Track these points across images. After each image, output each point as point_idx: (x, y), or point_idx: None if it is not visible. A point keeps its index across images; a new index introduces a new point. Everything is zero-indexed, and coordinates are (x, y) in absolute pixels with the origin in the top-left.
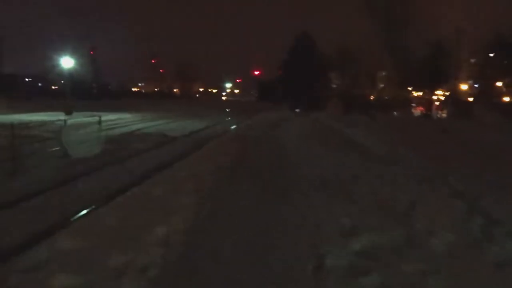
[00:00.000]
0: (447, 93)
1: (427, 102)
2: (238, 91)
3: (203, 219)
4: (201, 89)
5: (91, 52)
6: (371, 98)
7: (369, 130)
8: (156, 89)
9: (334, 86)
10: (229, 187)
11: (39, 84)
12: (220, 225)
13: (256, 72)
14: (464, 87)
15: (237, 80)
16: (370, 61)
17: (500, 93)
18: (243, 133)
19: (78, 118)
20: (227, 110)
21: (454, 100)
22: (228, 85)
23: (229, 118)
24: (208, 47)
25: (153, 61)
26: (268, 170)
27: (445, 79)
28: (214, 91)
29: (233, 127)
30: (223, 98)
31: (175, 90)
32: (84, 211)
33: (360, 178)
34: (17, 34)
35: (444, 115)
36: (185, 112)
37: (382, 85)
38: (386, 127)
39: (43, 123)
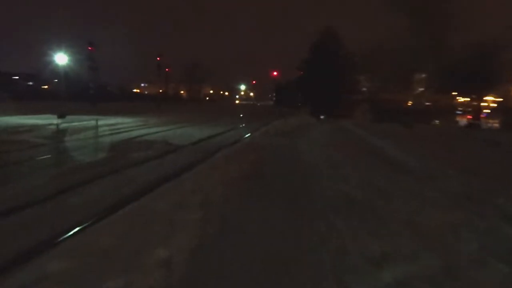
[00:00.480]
0: (500, 99)
1: (474, 109)
2: (252, 94)
3: (210, 241)
4: (211, 92)
5: (89, 48)
6: (408, 104)
7: (403, 141)
8: (160, 91)
9: (363, 89)
10: (240, 206)
11: (29, 83)
12: (227, 250)
13: (274, 73)
14: None
15: (252, 82)
16: (405, 62)
17: None
18: (258, 142)
19: (73, 122)
20: (240, 115)
21: (508, 108)
22: (242, 87)
23: (243, 125)
24: (220, 46)
25: (158, 58)
26: (286, 186)
27: (496, 83)
28: (226, 93)
29: (247, 135)
30: (236, 101)
31: (181, 92)
32: (76, 229)
33: (392, 197)
34: (4, 28)
35: (496, 125)
36: (192, 117)
37: (421, 89)
38: (425, 138)
39: (33, 128)
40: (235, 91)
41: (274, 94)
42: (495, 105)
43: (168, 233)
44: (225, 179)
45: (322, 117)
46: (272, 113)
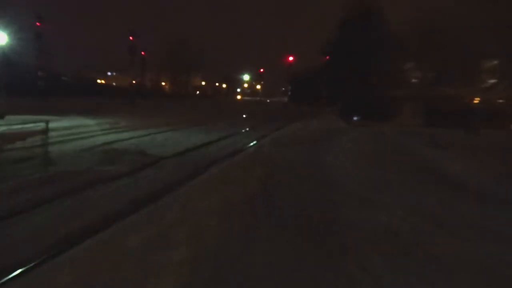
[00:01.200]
0: None
1: None
2: (259, 87)
3: None
4: (203, 83)
5: (38, 24)
6: (475, 101)
7: (466, 153)
8: (134, 82)
9: (413, 80)
10: (241, 242)
11: None
12: None
13: (290, 58)
14: None
15: (259, 71)
16: (470, 44)
17: None
18: (267, 154)
19: (14, 124)
20: (243, 116)
21: None
22: (246, 77)
23: (247, 129)
24: (215, 26)
25: (130, 38)
26: (305, 216)
27: None
28: (224, 86)
29: (252, 143)
30: (238, 97)
31: (163, 84)
32: (12, 275)
33: (449, 231)
34: None
35: None
36: (178, 118)
37: (492, 81)
38: (496, 148)
39: None
40: (236, 83)
41: (289, 88)
42: None
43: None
44: (221, 206)
45: (355, 118)
46: (286, 113)
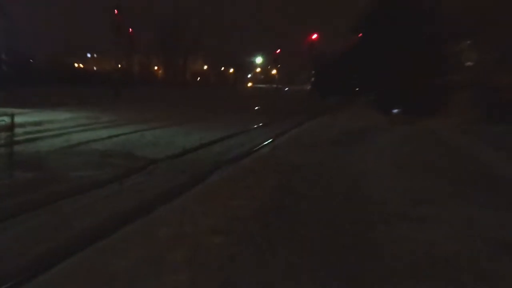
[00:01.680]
0: None
1: None
2: (275, 72)
3: None
4: (205, 68)
5: None
6: None
7: None
8: (119, 66)
9: (467, 64)
10: (253, 276)
11: None
12: None
13: (313, 36)
14: None
15: (275, 52)
16: None
17: None
18: (284, 156)
19: None
20: (255, 108)
21: None
22: (258, 60)
23: (259, 125)
24: None
25: (115, 12)
26: (332, 239)
27: None
28: (231, 71)
29: (266, 142)
30: (248, 84)
31: (155, 68)
32: None
33: None
34: None
35: None
36: (174, 111)
37: None
38: None
39: None
40: (246, 67)
41: (312, 73)
42: None
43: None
44: (226, 226)
45: (394, 111)
46: (308, 104)
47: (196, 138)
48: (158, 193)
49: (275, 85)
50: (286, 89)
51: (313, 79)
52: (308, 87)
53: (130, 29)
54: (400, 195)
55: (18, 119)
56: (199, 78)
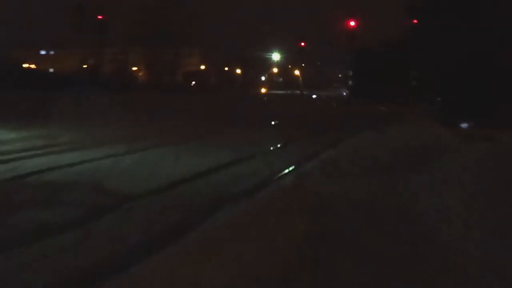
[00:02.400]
0: None
1: None
2: (298, 73)
3: None
4: (202, 67)
5: None
6: None
7: None
8: (84, 67)
9: None
10: None
11: None
12: None
13: (351, 23)
14: None
15: (300, 44)
16: None
17: None
18: (313, 189)
19: None
20: (272, 122)
21: None
22: (275, 57)
23: (278, 146)
24: None
25: None
26: None
27: None
28: (238, 71)
29: (288, 170)
30: (262, 89)
31: (133, 69)
32: None
33: None
34: None
35: None
36: (159, 126)
37: None
38: None
39: None
40: (258, 66)
41: (351, 74)
42: None
43: None
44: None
45: (463, 125)
46: (346, 116)
47: (191, 163)
48: (136, 243)
49: (298, 91)
50: (314, 96)
51: (350, 82)
52: (345, 92)
53: (100, 16)
54: (480, 240)
55: None
56: (193, 81)
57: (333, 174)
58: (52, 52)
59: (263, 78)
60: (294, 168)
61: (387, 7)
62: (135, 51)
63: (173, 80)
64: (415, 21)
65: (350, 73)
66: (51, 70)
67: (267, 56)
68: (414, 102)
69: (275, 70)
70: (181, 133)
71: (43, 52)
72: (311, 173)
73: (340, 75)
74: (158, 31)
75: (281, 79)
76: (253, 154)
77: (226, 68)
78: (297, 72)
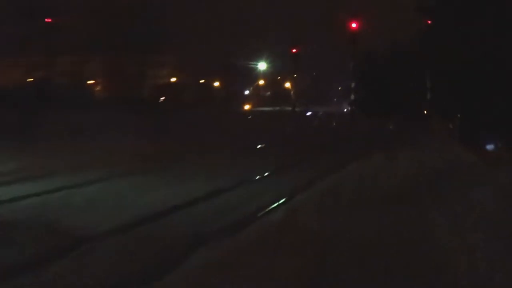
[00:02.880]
0: None
1: None
2: (290, 85)
3: None
4: (172, 80)
5: None
6: None
7: None
8: (29, 80)
9: None
10: None
11: None
12: None
13: (353, 25)
14: None
15: (292, 51)
16: None
17: None
18: (309, 227)
19: None
20: (257, 146)
21: None
22: (261, 66)
23: (266, 174)
24: None
25: None
26: None
27: None
28: (216, 84)
29: (277, 203)
30: (246, 106)
31: (88, 83)
32: None
33: None
34: None
35: None
36: (125, 150)
37: None
38: None
39: None
40: (241, 78)
41: (353, 86)
42: None
43: None
44: None
45: (489, 146)
46: (349, 135)
47: (163, 195)
48: None
49: (290, 108)
50: (309, 113)
51: (353, 95)
52: (346, 108)
53: (49, 19)
54: None
55: None
56: (163, 96)
57: (332, 208)
58: None
59: (247, 92)
60: (286, 200)
61: (393, 6)
62: (93, 60)
63: (139, 95)
64: (429, 21)
65: (353, 84)
66: None
67: (252, 65)
68: (430, 118)
69: (261, 82)
70: (151, 158)
71: None
72: (305, 206)
73: (340, 88)
74: (121, 37)
75: (269, 93)
76: (236, 184)
77: (203, 81)
78: (288, 85)
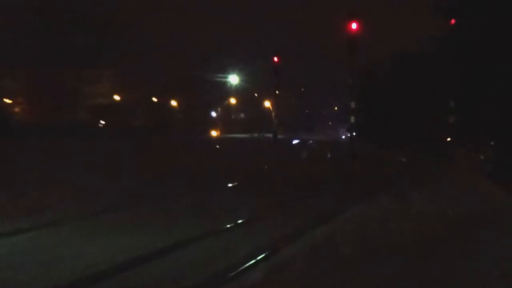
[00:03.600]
0: None
1: None
2: (270, 104)
3: None
4: (116, 99)
5: None
6: None
7: None
8: None
9: None
10: None
11: None
12: None
13: (353, 26)
14: None
15: (273, 60)
16: None
17: None
18: None
19: None
20: (229, 184)
21: None
22: (233, 80)
23: (240, 221)
24: None
25: None
26: None
27: None
28: (174, 103)
29: (258, 258)
30: (213, 132)
31: (7, 101)
32: None
33: None
34: None
35: None
36: (54, 190)
37: None
38: None
39: None
40: (206, 95)
41: (353, 107)
42: None
43: None
44: None
45: None
46: (346, 172)
47: (104, 250)
48: None
49: (271, 134)
50: (296, 141)
51: (353, 118)
52: (344, 134)
53: None
54: None
55: None
56: (104, 121)
57: (328, 265)
58: None
59: (214, 114)
60: (267, 256)
61: (401, 8)
62: (12, 74)
63: (73, 118)
64: (452, 21)
65: (353, 104)
66: None
67: (220, 79)
68: (453, 147)
69: (233, 101)
70: (90, 201)
71: None
72: (293, 264)
73: (336, 108)
74: (50, 45)
75: (242, 115)
76: (202, 234)
77: (155, 100)
78: (268, 104)
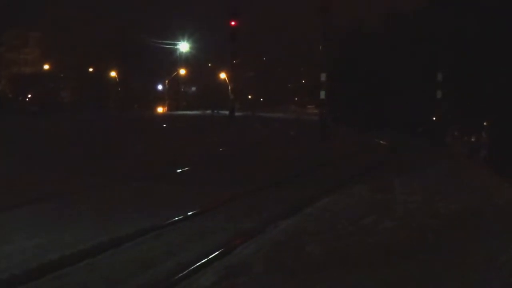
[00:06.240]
0: None
1: None
2: (226, 76)
3: None
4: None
5: None
6: None
7: None
8: None
9: None
10: None
11: None
12: None
13: None
14: None
15: (231, 24)
16: None
17: None
18: None
19: None
20: (179, 170)
21: None
22: (183, 47)
23: (190, 213)
24: None
25: None
26: None
27: None
28: (113, 74)
29: (209, 257)
30: (159, 108)
31: None
32: None
33: None
34: None
35: None
36: None
37: None
38: None
39: None
40: (151, 65)
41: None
42: None
43: None
44: None
45: None
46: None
47: (23, 249)
48: None
49: (226, 112)
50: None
51: (323, 94)
52: (312, 110)
53: None
54: None
55: None
56: (30, 94)
57: (291, 269)
58: None
59: (160, 88)
60: (220, 255)
61: None
62: None
63: None
64: None
65: (323, 76)
66: None
67: (167, 46)
68: (442, 129)
69: (182, 71)
70: (9, 190)
71: None
72: (250, 266)
73: (304, 81)
74: None
75: (194, 88)
76: (143, 229)
77: (91, 69)
78: (224, 76)
